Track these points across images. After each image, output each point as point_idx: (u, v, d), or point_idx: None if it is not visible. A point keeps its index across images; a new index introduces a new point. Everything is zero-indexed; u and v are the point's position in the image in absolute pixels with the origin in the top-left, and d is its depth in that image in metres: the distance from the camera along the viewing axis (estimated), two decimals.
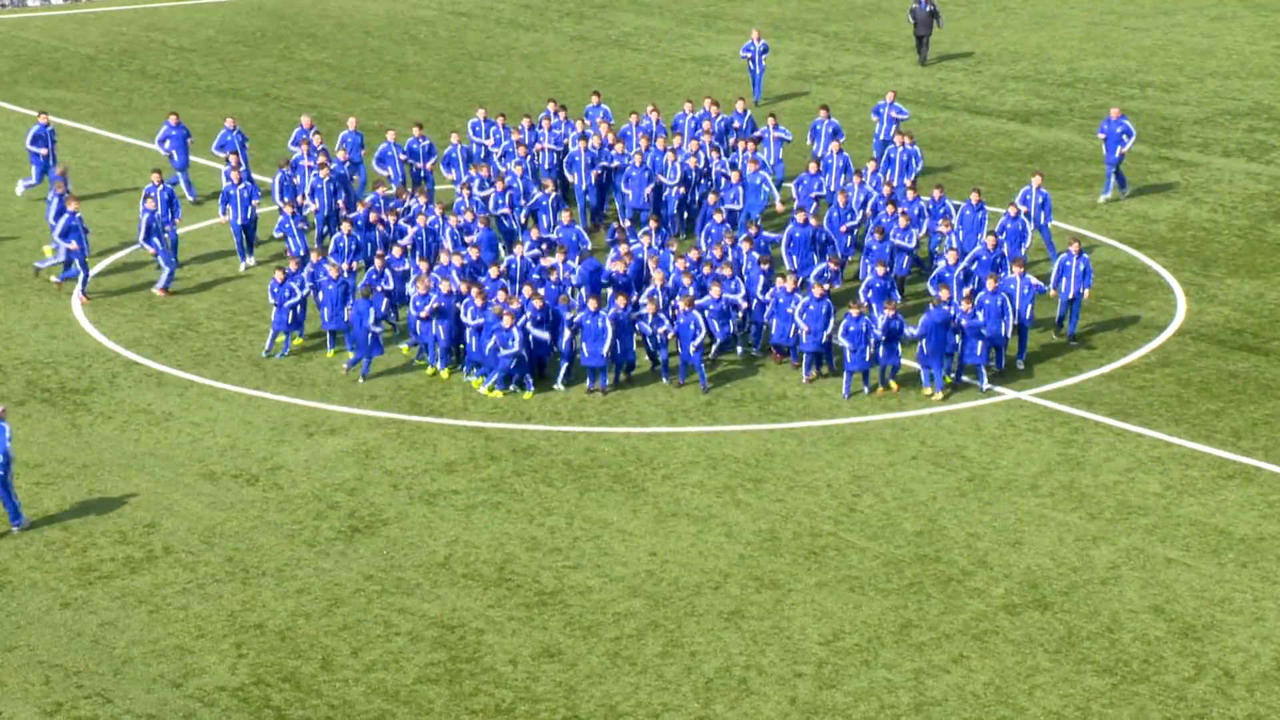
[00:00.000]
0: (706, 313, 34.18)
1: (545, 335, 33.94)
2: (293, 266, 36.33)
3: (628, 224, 38.06)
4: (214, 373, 35.21)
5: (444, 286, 34.39)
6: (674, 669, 25.42)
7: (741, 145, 42.15)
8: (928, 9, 58.09)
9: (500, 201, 39.81)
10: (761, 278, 35.51)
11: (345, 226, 37.77)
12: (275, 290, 35.33)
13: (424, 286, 34.50)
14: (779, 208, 40.61)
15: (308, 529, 29.31)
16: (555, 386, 34.41)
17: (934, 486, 30.76)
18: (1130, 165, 48.65)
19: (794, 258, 37.40)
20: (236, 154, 41.81)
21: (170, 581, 27.71)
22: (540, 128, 43.35)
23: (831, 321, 34.15)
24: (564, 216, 38.22)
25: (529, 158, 41.99)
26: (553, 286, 35.07)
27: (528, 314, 33.79)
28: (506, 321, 33.40)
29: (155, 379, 35.02)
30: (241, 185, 40.07)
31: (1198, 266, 41.15)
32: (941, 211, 38.91)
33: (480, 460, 31.67)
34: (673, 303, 34.55)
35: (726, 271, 35.06)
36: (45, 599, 27.21)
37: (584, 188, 42.04)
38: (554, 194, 39.65)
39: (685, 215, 41.73)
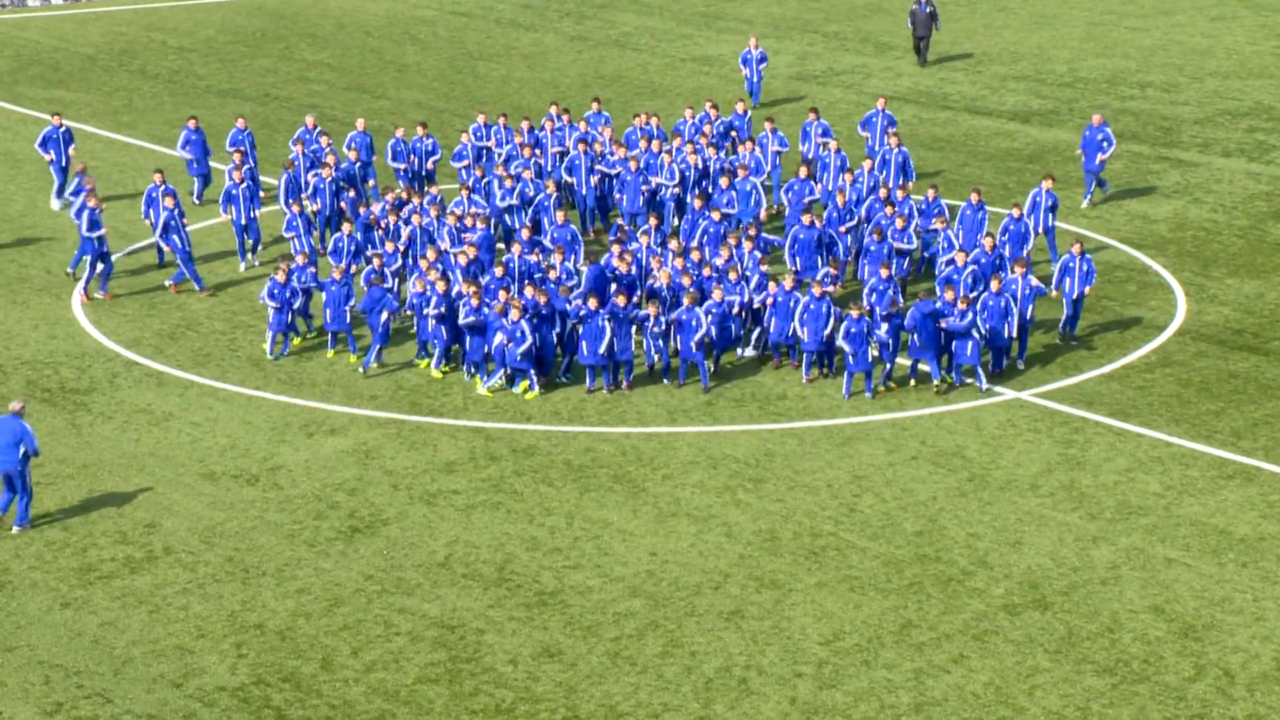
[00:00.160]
0: (709, 316, 34.13)
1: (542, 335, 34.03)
2: (300, 260, 36.21)
3: (628, 226, 38.11)
4: (214, 373, 35.21)
5: (440, 286, 34.35)
6: (674, 669, 25.43)
7: (743, 148, 42.09)
8: (927, 10, 58.09)
9: (509, 198, 39.87)
10: (755, 277, 35.52)
11: (346, 227, 37.77)
12: (277, 291, 35.33)
13: (421, 285, 34.54)
14: (763, 215, 40.47)
15: (308, 529, 29.31)
16: (559, 379, 34.49)
17: (934, 486, 30.76)
18: (1130, 165, 48.67)
19: (798, 259, 37.40)
20: (243, 152, 41.82)
21: (170, 581, 27.71)
22: (543, 130, 43.38)
23: (832, 322, 34.15)
24: (559, 216, 38.24)
25: (532, 159, 41.98)
26: (552, 285, 35.10)
27: (530, 312, 33.83)
28: (515, 314, 33.41)
29: (155, 379, 35.02)
30: (244, 185, 40.07)
31: (1198, 266, 41.15)
32: (935, 211, 38.92)
33: (480, 460, 31.67)
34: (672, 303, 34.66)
35: (734, 275, 35.01)
36: (45, 599, 27.21)
37: (584, 191, 42.05)
38: (555, 194, 39.68)
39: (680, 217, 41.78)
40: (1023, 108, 54.21)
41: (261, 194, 41.34)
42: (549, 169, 42.82)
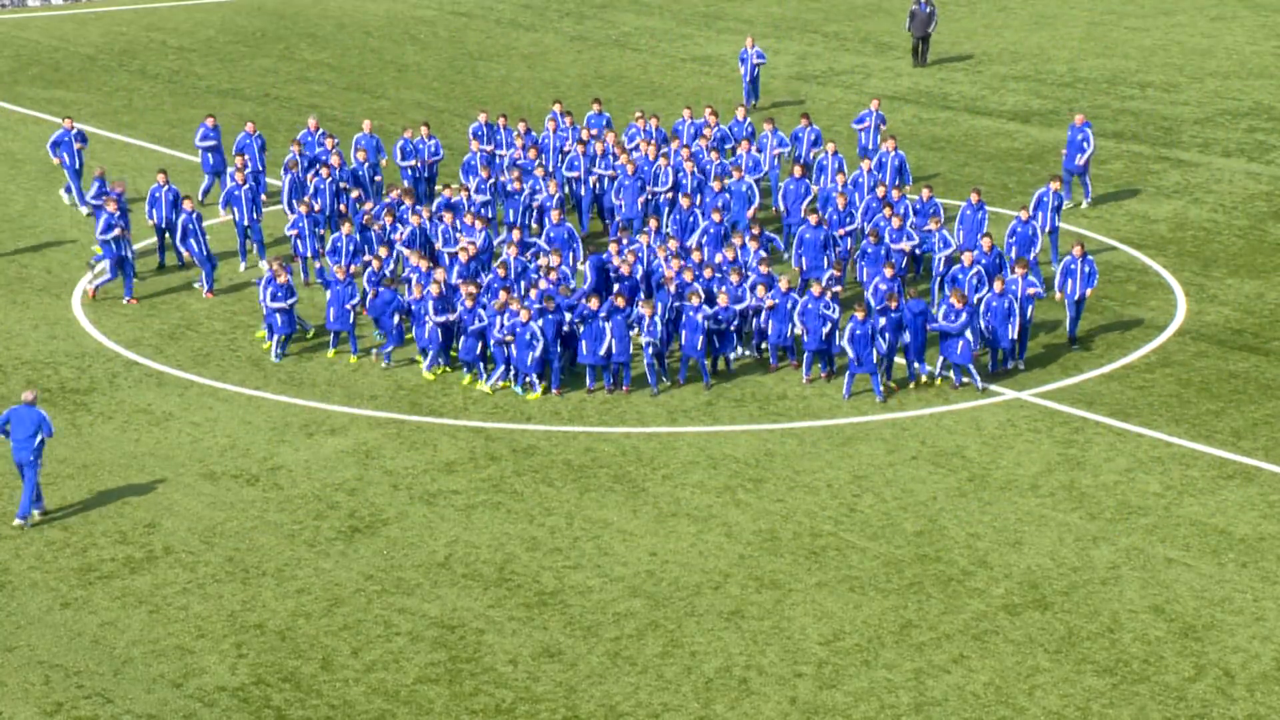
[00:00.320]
0: (710, 322, 34.09)
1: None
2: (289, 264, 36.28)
3: (623, 233, 38.11)
4: (214, 373, 35.22)
5: (434, 288, 34.34)
6: (674, 669, 25.42)
7: (739, 149, 42.04)
8: (927, 10, 58.08)
9: (517, 198, 39.93)
10: (752, 275, 35.53)
11: (346, 227, 37.78)
12: (278, 291, 35.35)
13: (420, 290, 34.56)
14: (750, 212, 40.43)
15: (308, 529, 29.31)
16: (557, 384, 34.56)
17: (934, 486, 30.76)
18: (1130, 165, 48.68)
19: (804, 259, 37.42)
20: (243, 155, 41.81)
21: (170, 581, 27.71)
22: (546, 131, 43.40)
23: (830, 323, 34.14)
24: (554, 215, 38.25)
25: (537, 161, 41.98)
26: (552, 284, 35.11)
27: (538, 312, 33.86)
28: (524, 316, 33.42)
29: (155, 379, 35.03)
30: (246, 186, 40.08)
31: (1198, 266, 41.15)
32: (931, 211, 38.92)
33: (480, 460, 31.67)
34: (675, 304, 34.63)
35: (735, 278, 34.98)
36: (45, 599, 27.21)
37: (582, 192, 42.06)
38: (558, 195, 39.69)
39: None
40: (1023, 108, 54.21)
41: (264, 197, 41.32)
42: (550, 169, 42.79)
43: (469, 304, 34.05)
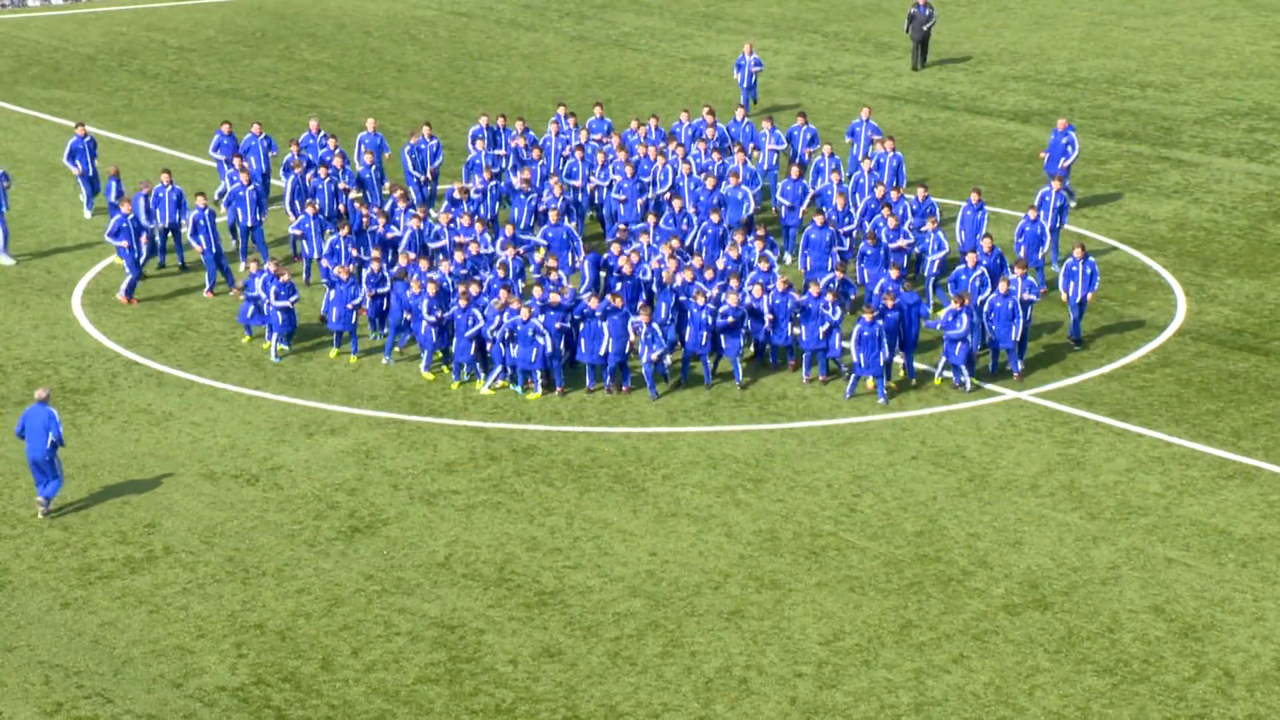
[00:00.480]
0: (720, 320, 34.03)
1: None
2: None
3: (622, 233, 38.07)
4: (214, 373, 35.22)
5: (431, 288, 34.35)
6: (674, 669, 25.42)
7: (739, 158, 41.87)
8: (926, 12, 58.06)
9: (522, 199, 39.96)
10: (751, 272, 35.53)
11: (344, 229, 37.78)
12: (281, 290, 35.37)
13: (418, 287, 34.56)
14: (744, 215, 40.43)
15: (308, 529, 29.31)
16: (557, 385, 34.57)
17: (934, 486, 30.76)
18: (1130, 165, 48.68)
19: (809, 259, 37.43)
20: (241, 157, 41.78)
21: (170, 581, 27.71)
22: (548, 133, 43.40)
23: (827, 323, 34.16)
24: (552, 216, 38.25)
25: (539, 163, 41.97)
26: (551, 284, 35.13)
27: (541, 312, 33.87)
28: (524, 314, 33.42)
29: (155, 379, 35.03)
30: (251, 187, 40.07)
31: (1198, 266, 41.15)
32: (927, 210, 38.91)
33: (480, 460, 31.67)
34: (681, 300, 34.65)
35: (735, 281, 34.93)
36: (45, 599, 27.21)
37: (580, 198, 42.04)
38: (562, 196, 39.68)
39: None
40: (1023, 108, 54.21)
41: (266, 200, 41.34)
42: (552, 170, 42.78)
43: (463, 303, 34.05)
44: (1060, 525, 29.43)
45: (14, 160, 48.39)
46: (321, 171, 40.76)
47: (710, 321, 34.07)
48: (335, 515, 29.74)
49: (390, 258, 37.65)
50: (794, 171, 40.80)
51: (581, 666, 25.49)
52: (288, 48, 62.01)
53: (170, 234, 40.26)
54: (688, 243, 37.96)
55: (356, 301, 35.50)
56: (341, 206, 40.65)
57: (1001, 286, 34.37)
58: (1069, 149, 43.37)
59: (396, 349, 35.79)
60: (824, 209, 39.07)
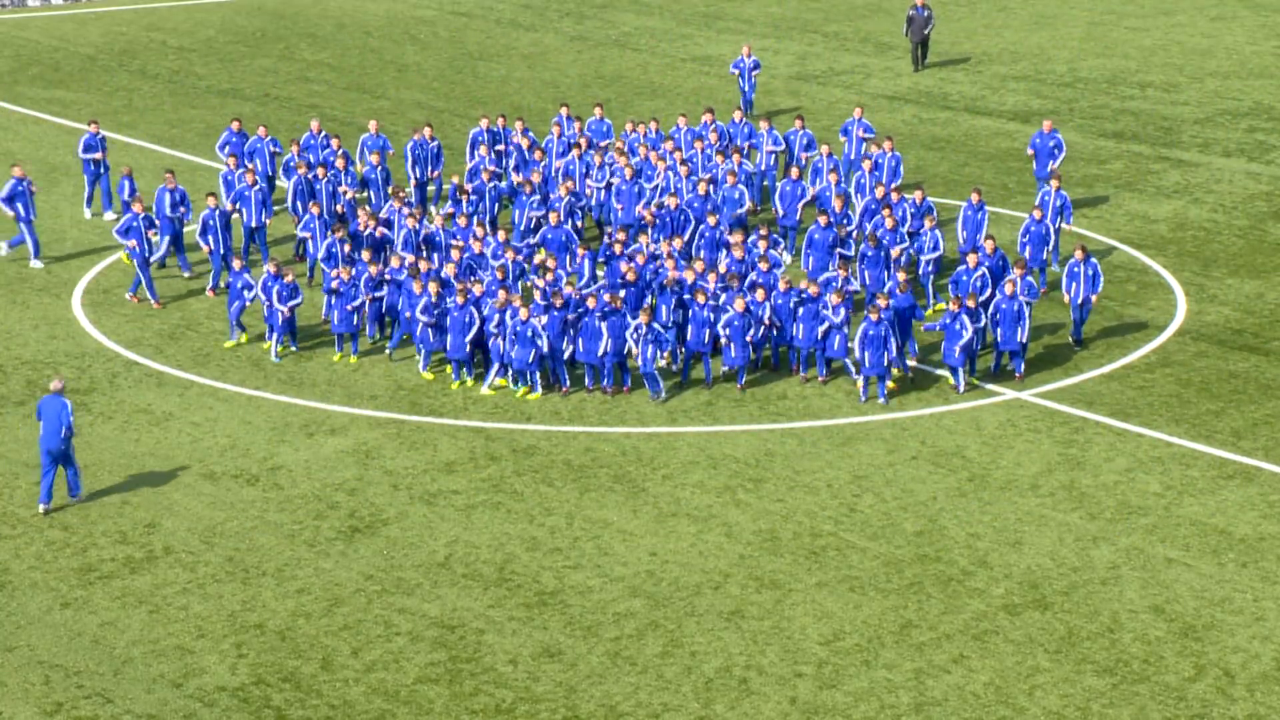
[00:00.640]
0: (729, 330, 33.93)
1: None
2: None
3: (622, 235, 38.07)
4: (214, 373, 35.22)
5: (434, 288, 34.35)
6: (674, 669, 25.42)
7: (735, 159, 41.81)
8: (925, 14, 58.04)
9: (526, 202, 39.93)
10: (753, 272, 35.53)
11: (339, 231, 37.78)
12: (284, 290, 35.37)
13: (419, 286, 34.57)
14: (742, 211, 40.43)
15: (308, 529, 29.32)
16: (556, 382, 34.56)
17: (934, 486, 30.76)
18: (1130, 165, 48.69)
19: (812, 259, 37.44)
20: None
21: (170, 581, 27.71)
22: (551, 135, 43.39)
23: (825, 323, 34.18)
24: (552, 217, 38.25)
25: (541, 164, 41.98)
26: (548, 283, 35.16)
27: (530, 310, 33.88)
28: (523, 313, 33.43)
29: (155, 379, 35.03)
30: (257, 187, 40.07)
31: (1198, 266, 41.15)
32: (924, 211, 38.90)
33: (480, 460, 31.67)
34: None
35: (734, 283, 34.90)
36: (45, 599, 27.21)
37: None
38: (566, 198, 39.66)
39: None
40: (1023, 108, 54.21)
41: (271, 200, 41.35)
42: (554, 172, 42.78)
43: (460, 300, 34.06)
44: (1060, 525, 29.43)
45: (14, 160, 48.37)
46: (320, 172, 40.76)
47: (710, 319, 34.06)
48: (335, 515, 29.75)
49: (382, 259, 37.63)
50: (793, 173, 40.80)
51: (581, 666, 25.49)
52: (288, 48, 62.01)
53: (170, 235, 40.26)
54: (685, 237, 37.96)
55: (357, 304, 35.49)
56: (339, 207, 40.64)
57: (1007, 288, 34.36)
58: (1055, 151, 43.29)
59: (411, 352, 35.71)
60: (825, 210, 39.07)
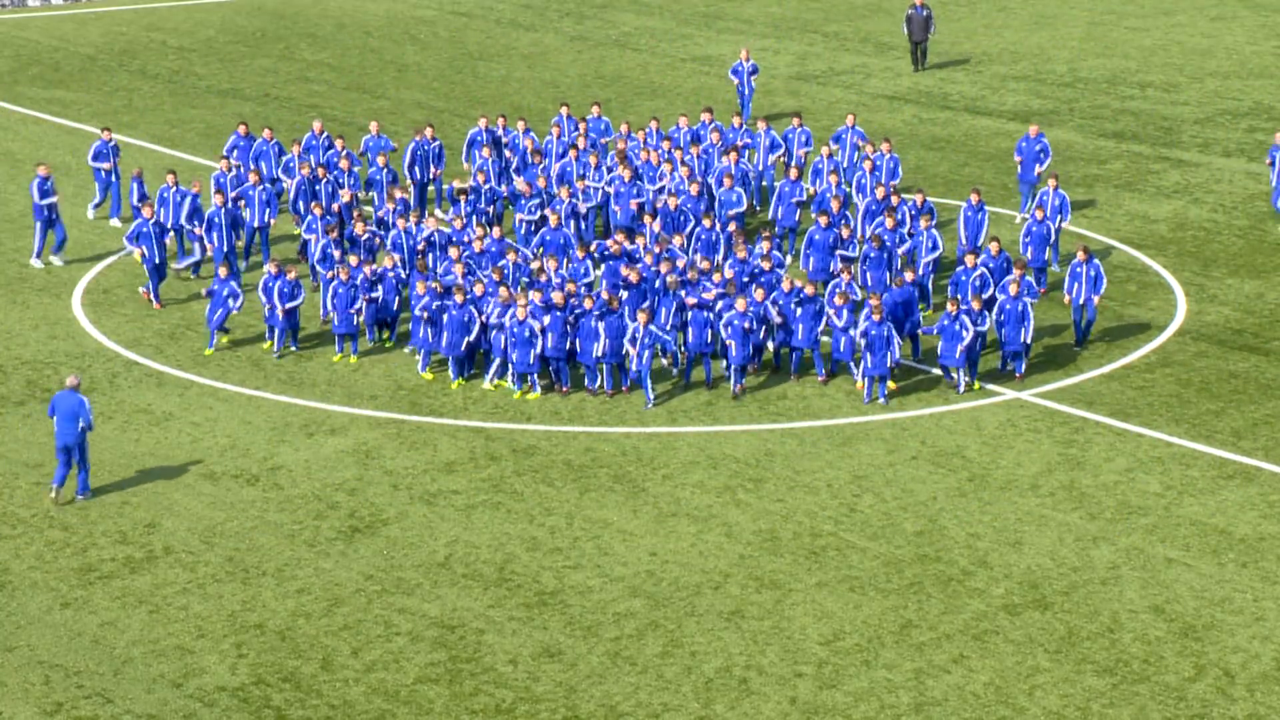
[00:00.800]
0: (730, 329, 33.90)
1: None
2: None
3: (622, 237, 38.06)
4: (214, 373, 35.22)
5: (422, 287, 34.35)
6: (674, 669, 25.42)
7: (730, 158, 41.72)
8: (924, 14, 58.04)
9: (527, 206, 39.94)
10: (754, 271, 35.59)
11: (332, 232, 37.76)
12: (284, 289, 35.39)
13: (422, 287, 34.57)
14: (739, 210, 40.43)
15: (308, 529, 29.32)
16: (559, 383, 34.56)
17: (934, 486, 30.76)
18: (1130, 165, 48.70)
19: (812, 260, 37.43)
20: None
21: (170, 581, 27.71)
22: (550, 136, 43.39)
23: (821, 323, 34.21)
24: (551, 219, 38.25)
25: (540, 166, 41.97)
26: (543, 284, 35.19)
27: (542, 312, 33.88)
28: (520, 313, 33.43)
29: (155, 379, 35.03)
30: (260, 188, 40.07)
31: (1198, 266, 41.15)
32: (925, 214, 38.87)
33: (480, 460, 31.67)
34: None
35: (732, 290, 34.82)
36: (45, 599, 27.21)
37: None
38: (569, 201, 39.65)
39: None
40: (1023, 108, 54.21)
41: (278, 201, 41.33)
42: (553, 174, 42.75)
43: (459, 299, 34.06)
44: (1060, 525, 29.43)
45: (14, 160, 48.41)
46: (321, 173, 40.77)
47: (708, 319, 34.05)
48: (335, 515, 29.75)
49: (374, 259, 37.66)
50: (791, 173, 40.79)
51: (581, 666, 25.49)
52: (288, 48, 62.02)
53: (174, 234, 40.23)
54: (686, 233, 38.00)
55: (357, 307, 35.49)
56: (337, 207, 40.63)
57: (1010, 289, 34.35)
58: (1042, 156, 43.20)
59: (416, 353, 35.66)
60: (825, 211, 39.09)
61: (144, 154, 48.64)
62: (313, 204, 39.32)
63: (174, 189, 39.82)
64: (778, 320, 34.46)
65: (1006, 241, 40.76)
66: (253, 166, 40.92)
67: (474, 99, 54.71)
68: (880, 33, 63.91)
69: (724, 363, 34.52)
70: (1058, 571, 28.00)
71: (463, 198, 39.93)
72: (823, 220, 37.66)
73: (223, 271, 35.92)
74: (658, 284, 35.61)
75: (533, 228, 39.66)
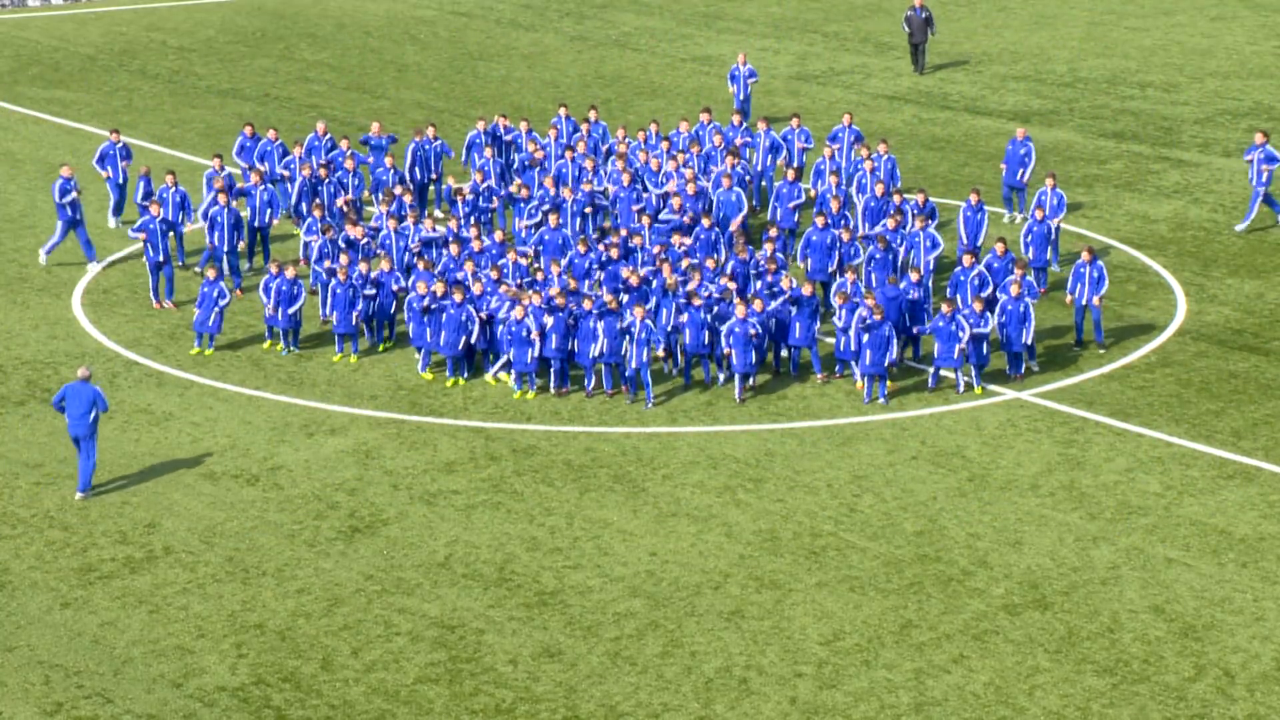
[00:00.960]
0: (730, 338, 33.83)
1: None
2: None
3: (616, 238, 38.07)
4: (214, 373, 35.22)
5: (423, 287, 34.35)
6: (674, 669, 25.42)
7: (729, 159, 41.72)
8: (923, 15, 58.01)
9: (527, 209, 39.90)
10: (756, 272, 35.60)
11: (329, 232, 37.76)
12: (284, 289, 35.40)
13: (423, 287, 34.56)
14: (738, 220, 40.45)
15: (308, 529, 29.32)
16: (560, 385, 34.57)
17: (934, 486, 30.76)
18: (1130, 165, 48.69)
19: (810, 260, 37.43)
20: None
21: (170, 581, 27.71)
22: (549, 137, 43.39)
23: (817, 322, 34.22)
24: (551, 219, 38.24)
25: (539, 166, 41.99)
26: (542, 284, 35.20)
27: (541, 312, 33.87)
28: (518, 313, 33.44)
29: (155, 379, 35.03)
30: (262, 188, 40.06)
31: (1198, 266, 41.15)
32: (927, 215, 38.87)
33: (480, 460, 31.68)
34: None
35: (730, 297, 34.80)
36: (45, 599, 27.21)
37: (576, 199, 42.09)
38: (572, 199, 39.68)
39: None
40: (1023, 108, 54.21)
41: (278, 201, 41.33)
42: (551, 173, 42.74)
43: (458, 298, 34.07)
44: (1060, 525, 29.44)
45: (14, 160, 48.41)
46: (322, 173, 40.78)
47: (705, 320, 34.02)
48: (335, 515, 29.75)
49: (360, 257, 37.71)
50: (790, 174, 40.79)
51: (581, 666, 25.49)
52: (288, 48, 62.03)
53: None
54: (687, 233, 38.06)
55: (358, 309, 35.48)
56: (340, 203, 40.65)
57: (1012, 289, 34.35)
58: (1026, 159, 43.16)
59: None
60: (824, 211, 39.11)
61: (144, 154, 48.63)
62: (314, 205, 39.33)
63: (174, 189, 39.81)
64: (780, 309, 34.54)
65: (1008, 242, 40.71)
66: (256, 167, 40.89)
67: (474, 99, 54.72)
68: (880, 33, 63.91)
69: (720, 367, 34.51)
70: (1058, 571, 28.00)
71: (460, 198, 39.92)
72: (819, 221, 37.66)
73: (210, 273, 35.87)
74: (655, 284, 35.62)
75: (532, 228, 39.65)
